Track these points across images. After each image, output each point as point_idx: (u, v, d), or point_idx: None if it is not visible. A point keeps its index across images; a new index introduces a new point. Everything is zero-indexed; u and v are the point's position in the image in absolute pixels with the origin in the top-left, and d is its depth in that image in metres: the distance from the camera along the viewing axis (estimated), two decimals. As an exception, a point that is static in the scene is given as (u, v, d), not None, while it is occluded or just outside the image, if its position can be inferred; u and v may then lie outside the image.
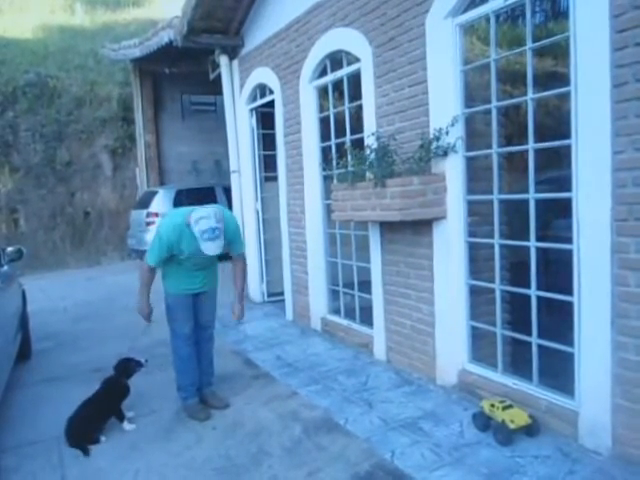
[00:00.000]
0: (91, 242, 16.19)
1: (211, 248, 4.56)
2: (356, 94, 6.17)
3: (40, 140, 16.06)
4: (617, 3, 3.47)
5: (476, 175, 4.91)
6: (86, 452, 4.47)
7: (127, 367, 5.12)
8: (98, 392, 4.96)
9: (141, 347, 7.19)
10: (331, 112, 6.73)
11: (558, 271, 4.22)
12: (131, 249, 15.07)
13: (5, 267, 6.28)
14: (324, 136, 6.99)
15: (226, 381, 5.78)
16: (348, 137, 6.39)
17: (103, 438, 4.73)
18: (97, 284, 12.65)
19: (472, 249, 4.98)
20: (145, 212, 13.89)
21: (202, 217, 4.51)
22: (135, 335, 7.79)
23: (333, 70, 6.64)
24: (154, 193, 14.35)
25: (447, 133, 4.77)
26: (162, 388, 5.73)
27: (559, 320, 4.20)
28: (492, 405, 4.24)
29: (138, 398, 5.49)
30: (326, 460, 4.10)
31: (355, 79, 6.17)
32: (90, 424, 4.71)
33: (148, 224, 13.75)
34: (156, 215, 13.76)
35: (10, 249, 6.61)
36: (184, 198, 14.19)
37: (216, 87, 9.69)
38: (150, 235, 13.55)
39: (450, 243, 4.98)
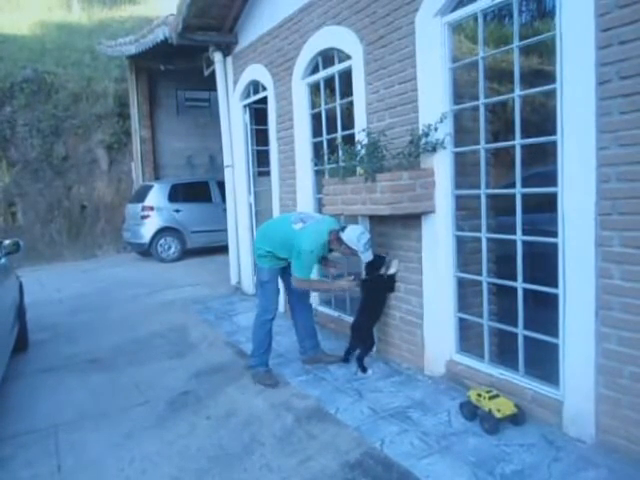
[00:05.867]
0: (87, 235, 16.22)
1: (369, 256, 5.25)
2: (347, 91, 6.20)
3: (37, 135, 16.03)
4: (602, 2, 3.52)
5: (464, 170, 4.97)
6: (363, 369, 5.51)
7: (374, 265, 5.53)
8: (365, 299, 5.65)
9: (139, 338, 7.28)
10: (323, 108, 6.77)
11: (544, 264, 4.30)
12: (126, 242, 15.23)
13: (2, 260, 6.32)
14: (316, 132, 7.03)
15: (219, 371, 5.86)
16: (339, 133, 6.42)
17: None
18: (93, 276, 12.67)
19: (460, 242, 5.05)
20: (140, 206, 14.03)
21: (362, 232, 5.19)
22: (131, 326, 7.90)
23: (325, 67, 6.69)
24: (149, 187, 14.49)
25: (436, 129, 4.81)
26: (157, 378, 5.80)
27: (545, 312, 4.26)
28: (479, 395, 4.29)
29: (133, 388, 5.58)
30: (317, 449, 4.14)
31: (346, 76, 6.21)
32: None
33: (143, 217, 13.87)
34: (151, 209, 13.87)
35: (7, 242, 6.64)
36: (179, 192, 14.33)
37: (210, 83, 9.72)
38: (145, 228, 13.68)
39: (438, 236, 5.04)
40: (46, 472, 4.10)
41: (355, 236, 5.12)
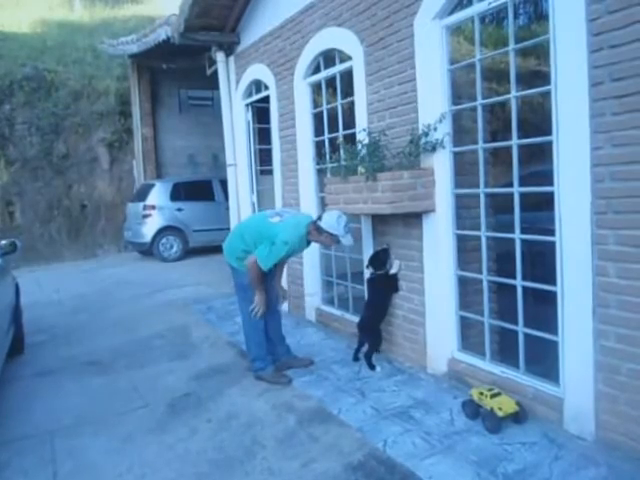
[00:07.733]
0: (87, 235, 16.20)
1: (350, 240, 5.28)
2: (348, 91, 6.24)
3: (37, 133, 16.00)
4: (592, 8, 3.58)
5: (463, 169, 5.01)
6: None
7: (379, 258, 5.68)
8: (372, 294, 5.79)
9: (139, 339, 7.27)
10: (324, 108, 6.80)
11: (543, 262, 4.31)
12: (127, 241, 15.20)
13: (-2, 260, 6.24)
14: (318, 131, 7.07)
15: (221, 373, 5.85)
16: (341, 132, 6.44)
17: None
18: (93, 276, 12.66)
19: (460, 241, 5.07)
20: (142, 205, 14.01)
21: (340, 215, 5.21)
22: (131, 327, 7.89)
23: (326, 67, 6.72)
24: (151, 186, 14.47)
25: (435, 129, 4.84)
26: (157, 380, 5.77)
27: (544, 309, 4.28)
28: (481, 393, 4.30)
29: (133, 390, 5.55)
30: (320, 451, 4.12)
31: (347, 76, 6.24)
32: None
33: (145, 216, 13.85)
34: (153, 208, 13.85)
35: (4, 242, 6.58)
36: (181, 191, 14.30)
37: (213, 82, 9.71)
38: (146, 227, 13.66)
39: (439, 235, 5.07)
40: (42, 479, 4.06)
41: (334, 220, 5.17)
